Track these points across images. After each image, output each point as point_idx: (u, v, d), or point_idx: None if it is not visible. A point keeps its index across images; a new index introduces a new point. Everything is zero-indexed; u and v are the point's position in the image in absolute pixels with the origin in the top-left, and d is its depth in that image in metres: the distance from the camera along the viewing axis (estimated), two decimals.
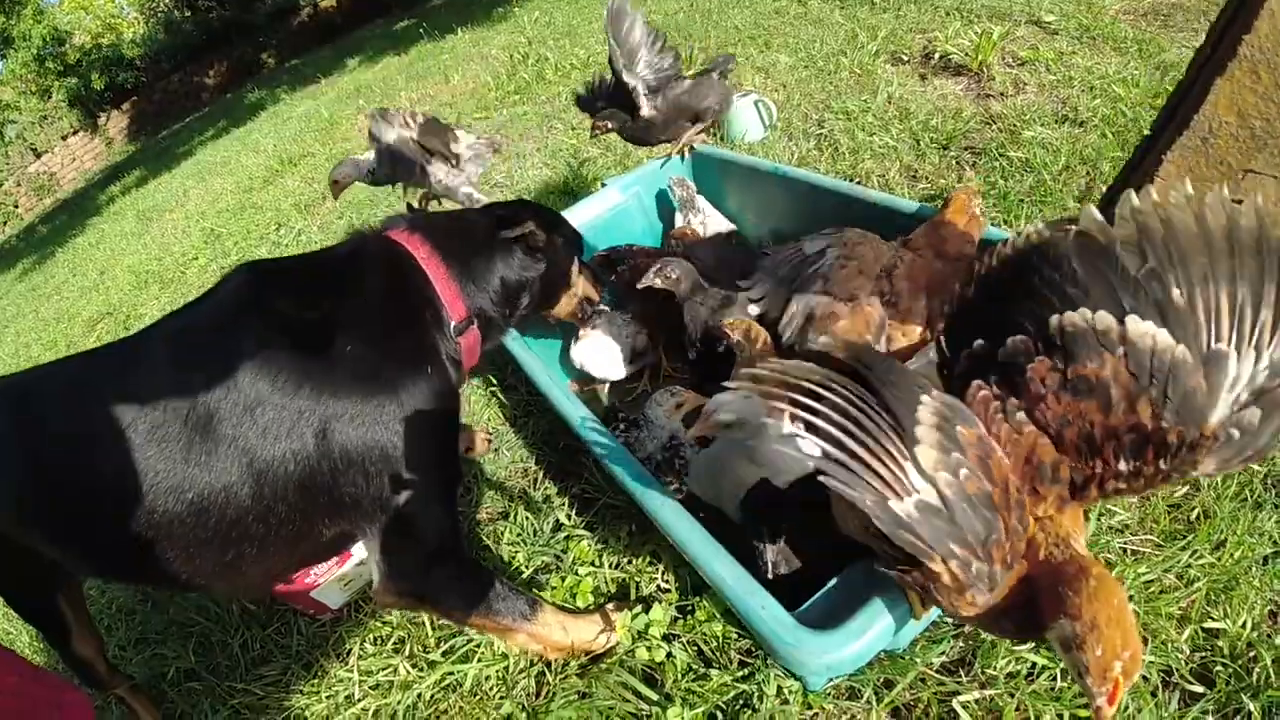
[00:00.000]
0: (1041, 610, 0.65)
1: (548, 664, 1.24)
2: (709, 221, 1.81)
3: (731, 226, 1.84)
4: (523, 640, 1.15)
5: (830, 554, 0.99)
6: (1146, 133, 0.92)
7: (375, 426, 0.98)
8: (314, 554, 1.12)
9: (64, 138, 13.02)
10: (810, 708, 1.07)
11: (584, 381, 1.83)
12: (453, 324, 1.20)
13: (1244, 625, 1.04)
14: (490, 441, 1.71)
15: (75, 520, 0.95)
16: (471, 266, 1.25)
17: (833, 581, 0.84)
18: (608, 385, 1.81)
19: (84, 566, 1.06)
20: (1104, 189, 1.90)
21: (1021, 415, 0.70)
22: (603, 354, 1.66)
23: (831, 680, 1.08)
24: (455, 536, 1.08)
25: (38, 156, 12.67)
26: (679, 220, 1.82)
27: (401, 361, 1.07)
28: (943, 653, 1.10)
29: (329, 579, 1.45)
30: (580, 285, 1.53)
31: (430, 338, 1.16)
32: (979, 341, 0.74)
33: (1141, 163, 0.91)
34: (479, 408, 1.86)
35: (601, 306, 1.65)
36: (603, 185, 1.86)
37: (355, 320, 1.05)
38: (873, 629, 0.74)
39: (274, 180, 4.94)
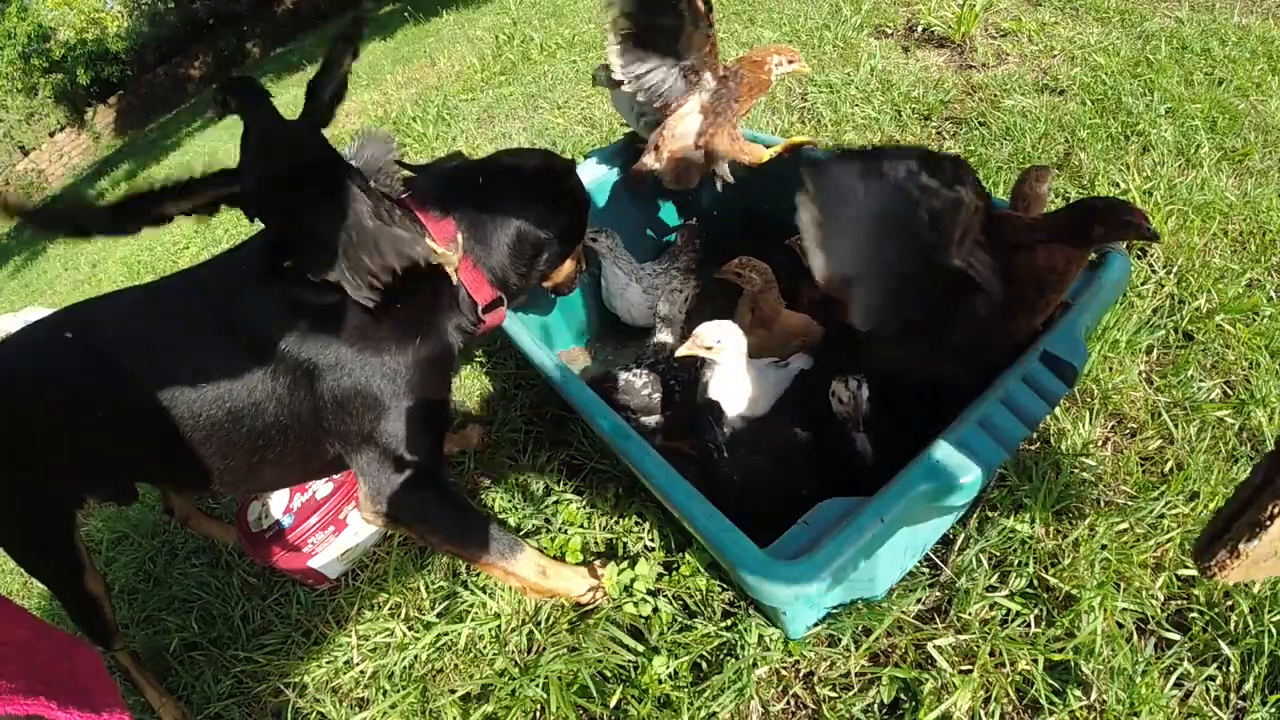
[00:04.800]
0: None
1: (537, 622, 1.28)
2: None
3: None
4: (500, 575, 1.23)
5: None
6: (1250, 477, 0.92)
7: (359, 376, 1.11)
8: (323, 469, 1.26)
9: (51, 134, 12.90)
10: (791, 654, 1.11)
11: (577, 351, 1.87)
12: (480, 307, 1.24)
13: None
14: (488, 437, 1.74)
15: (135, 420, 1.10)
16: (493, 240, 1.24)
17: (800, 520, 0.88)
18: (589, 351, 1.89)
19: (136, 468, 1.23)
20: (1081, 155, 1.93)
21: None
22: (634, 297, 1.72)
23: (811, 628, 1.12)
24: (433, 470, 1.18)
25: (25, 154, 12.56)
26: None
27: (391, 330, 1.15)
28: (919, 600, 1.13)
29: (327, 550, 1.48)
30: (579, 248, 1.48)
31: (427, 313, 1.20)
32: None
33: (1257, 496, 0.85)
34: (469, 382, 1.89)
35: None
36: (585, 158, 1.88)
37: None
38: (838, 558, 0.77)
39: None
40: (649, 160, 1.55)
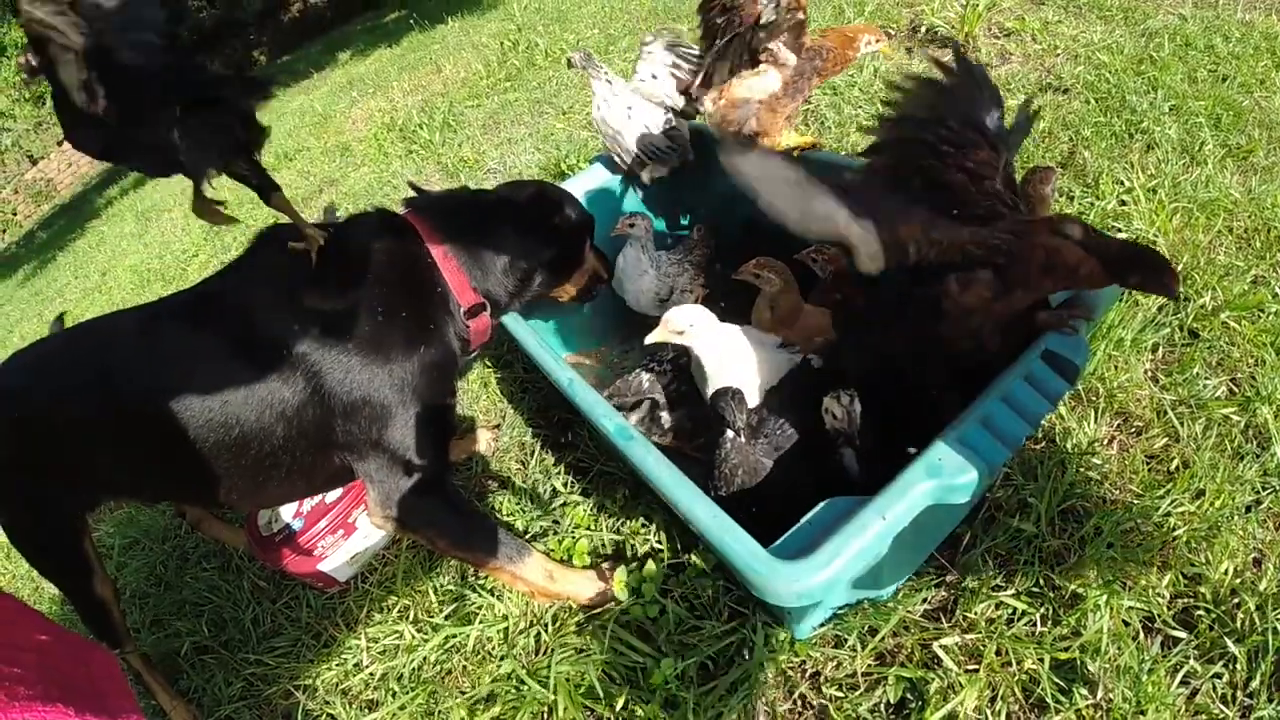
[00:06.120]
0: None
1: (545, 624, 1.29)
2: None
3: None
4: (507, 580, 1.25)
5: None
6: None
7: (368, 388, 1.14)
8: (328, 481, 1.30)
9: (59, 143, 13.00)
10: (797, 655, 1.11)
11: (584, 354, 1.88)
12: (462, 309, 1.30)
13: (1226, 572, 1.07)
14: (496, 439, 1.75)
15: (140, 436, 1.14)
16: (481, 254, 1.32)
17: (803, 519, 0.88)
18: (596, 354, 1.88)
19: (142, 481, 1.26)
20: (1086, 154, 1.93)
21: None
22: (647, 285, 1.70)
23: (817, 628, 1.12)
24: (439, 476, 1.21)
25: (34, 163, 12.65)
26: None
27: (397, 338, 1.19)
28: (925, 600, 1.13)
29: (336, 554, 1.50)
30: (590, 262, 1.56)
31: (430, 319, 1.25)
32: None
33: None
34: (476, 387, 1.90)
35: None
36: (590, 163, 1.89)
37: (367, 300, 1.18)
38: (841, 557, 0.78)
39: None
40: (708, 100, 1.54)
